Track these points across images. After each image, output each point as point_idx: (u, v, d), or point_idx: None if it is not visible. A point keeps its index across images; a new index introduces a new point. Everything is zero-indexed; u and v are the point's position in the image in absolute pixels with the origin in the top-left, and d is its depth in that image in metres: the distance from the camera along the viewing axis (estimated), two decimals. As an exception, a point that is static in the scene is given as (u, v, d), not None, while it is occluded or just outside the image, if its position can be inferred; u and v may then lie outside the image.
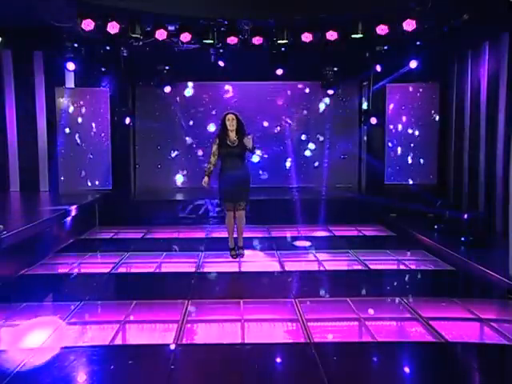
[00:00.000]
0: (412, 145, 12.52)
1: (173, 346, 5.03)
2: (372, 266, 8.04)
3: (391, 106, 12.49)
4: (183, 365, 4.68)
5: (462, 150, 11.10)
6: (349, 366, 4.67)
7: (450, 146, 11.86)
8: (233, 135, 8.00)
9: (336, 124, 13.43)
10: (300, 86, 13.59)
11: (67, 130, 12.41)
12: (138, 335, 5.48)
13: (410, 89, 12.42)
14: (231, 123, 7.97)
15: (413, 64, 11.21)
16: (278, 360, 4.88)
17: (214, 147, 8.06)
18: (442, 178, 12.23)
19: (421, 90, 12.42)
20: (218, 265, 8.31)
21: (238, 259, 8.45)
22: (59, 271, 8.11)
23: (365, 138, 13.20)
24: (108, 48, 11.16)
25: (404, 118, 12.49)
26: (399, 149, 12.54)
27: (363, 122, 12.89)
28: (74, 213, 10.28)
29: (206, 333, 5.47)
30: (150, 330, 5.57)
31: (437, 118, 12.41)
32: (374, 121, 12.33)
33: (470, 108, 10.74)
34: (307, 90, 13.60)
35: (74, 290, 7.20)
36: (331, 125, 13.43)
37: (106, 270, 7.93)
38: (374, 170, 12.65)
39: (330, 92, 12.94)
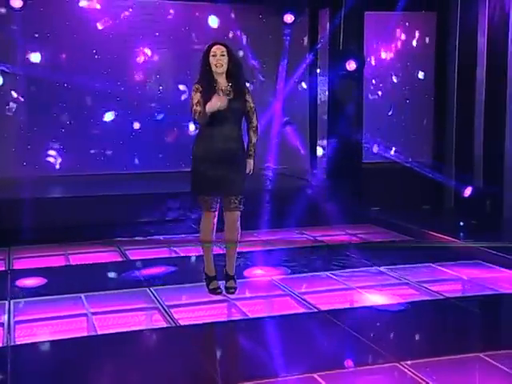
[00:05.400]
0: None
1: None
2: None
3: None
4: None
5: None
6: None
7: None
8: (223, 81, 4.99)
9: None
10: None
11: None
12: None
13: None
14: (219, 60, 4.92)
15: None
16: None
17: (196, 96, 4.92)
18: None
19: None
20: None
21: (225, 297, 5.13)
22: None
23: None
24: None
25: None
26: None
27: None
28: None
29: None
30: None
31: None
32: (351, 66, 8.21)
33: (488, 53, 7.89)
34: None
35: None
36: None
37: None
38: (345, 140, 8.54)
39: (288, 19, 8.73)
